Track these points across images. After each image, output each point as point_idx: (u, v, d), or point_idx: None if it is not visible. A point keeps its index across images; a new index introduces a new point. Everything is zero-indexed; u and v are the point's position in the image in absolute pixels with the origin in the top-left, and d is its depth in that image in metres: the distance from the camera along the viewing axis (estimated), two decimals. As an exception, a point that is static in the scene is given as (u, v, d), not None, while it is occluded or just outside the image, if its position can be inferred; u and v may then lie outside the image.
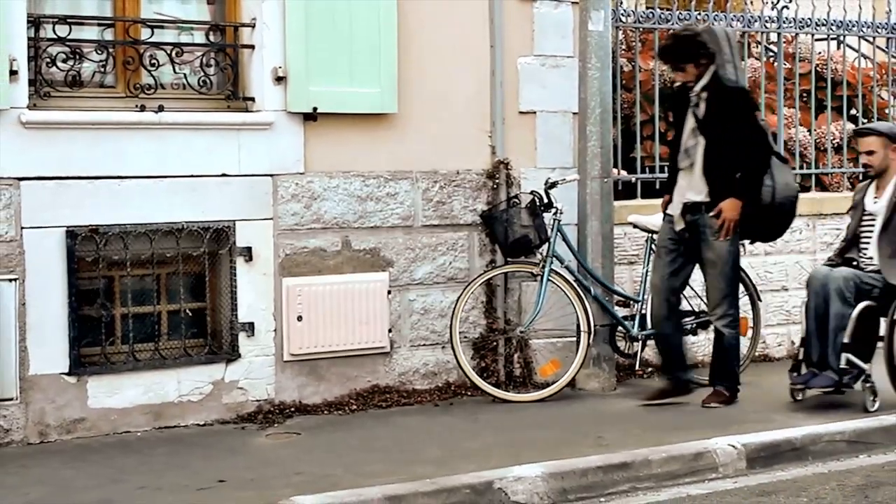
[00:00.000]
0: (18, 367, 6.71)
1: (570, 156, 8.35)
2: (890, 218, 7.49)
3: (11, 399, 6.71)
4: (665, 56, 7.77)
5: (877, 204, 7.61)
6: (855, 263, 7.59)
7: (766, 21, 9.56)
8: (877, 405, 7.29)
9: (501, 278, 8.11)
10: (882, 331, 7.47)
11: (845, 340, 7.28)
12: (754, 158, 7.44)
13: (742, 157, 7.40)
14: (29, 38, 6.81)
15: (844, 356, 7.28)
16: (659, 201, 7.90)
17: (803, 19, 9.62)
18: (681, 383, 7.64)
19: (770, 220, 7.61)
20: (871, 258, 7.55)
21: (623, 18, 8.83)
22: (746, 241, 7.85)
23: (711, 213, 7.40)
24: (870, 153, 7.65)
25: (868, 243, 7.59)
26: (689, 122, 7.50)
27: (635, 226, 8.34)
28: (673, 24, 8.96)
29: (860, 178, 8.65)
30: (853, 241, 7.71)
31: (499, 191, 8.12)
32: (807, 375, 7.44)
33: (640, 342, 8.11)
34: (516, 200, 7.96)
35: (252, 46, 7.42)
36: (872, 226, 7.59)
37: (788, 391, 7.58)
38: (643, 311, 8.05)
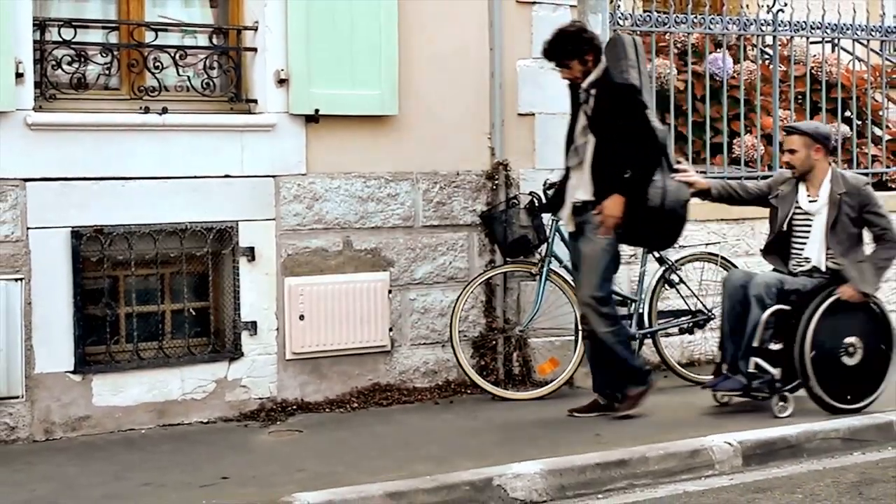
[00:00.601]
0: (24, 366, 6.76)
1: (569, 157, 8.42)
2: (837, 217, 7.31)
3: (17, 397, 6.76)
4: (548, 52, 7.24)
5: (814, 204, 7.38)
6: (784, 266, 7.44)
7: (762, 24, 9.62)
8: (788, 411, 7.15)
9: (501, 278, 8.16)
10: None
11: (754, 344, 7.18)
12: (642, 156, 7.10)
13: (630, 155, 7.05)
14: (35, 41, 6.86)
15: (753, 360, 7.19)
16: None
17: (798, 22, 9.66)
18: (611, 399, 7.32)
19: (660, 225, 7.24)
20: (808, 258, 7.37)
21: (620, 21, 8.85)
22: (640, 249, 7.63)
23: (595, 211, 7.07)
24: (792, 152, 7.43)
25: (805, 243, 7.39)
26: (581, 120, 7.20)
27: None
28: (670, 27, 9.03)
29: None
30: (784, 238, 7.47)
31: (498, 192, 8.17)
32: (719, 378, 7.37)
33: (638, 341, 8.15)
34: (515, 201, 8.01)
35: (255, 49, 7.48)
36: (806, 225, 7.40)
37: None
38: (640, 311, 8.10)
